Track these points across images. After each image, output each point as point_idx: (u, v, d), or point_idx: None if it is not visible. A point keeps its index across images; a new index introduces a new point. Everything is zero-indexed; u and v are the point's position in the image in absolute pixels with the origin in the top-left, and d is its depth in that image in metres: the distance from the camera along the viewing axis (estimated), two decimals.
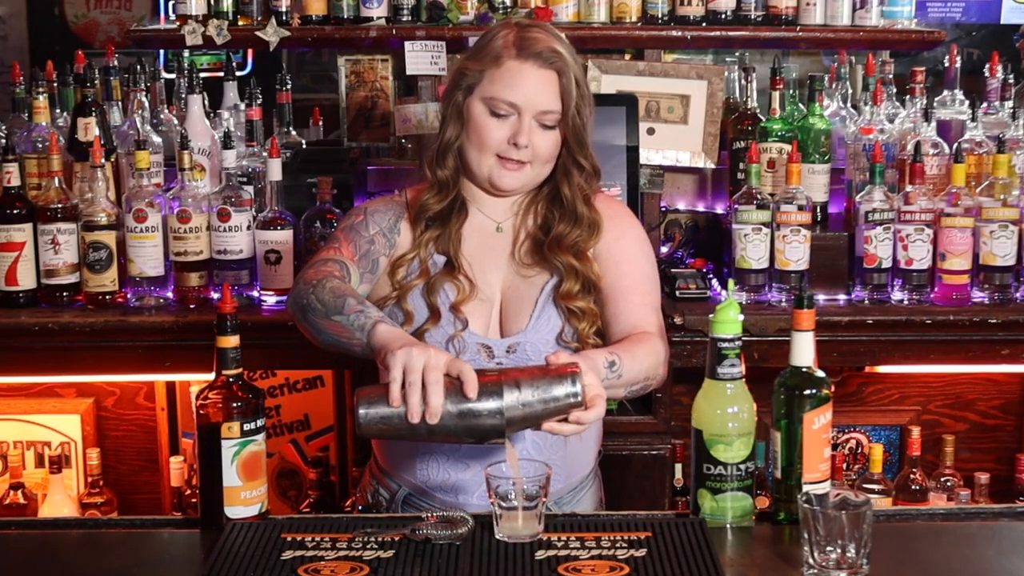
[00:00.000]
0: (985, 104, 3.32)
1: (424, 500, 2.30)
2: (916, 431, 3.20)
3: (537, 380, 1.92)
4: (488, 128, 2.25)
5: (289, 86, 3.48)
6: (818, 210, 3.20)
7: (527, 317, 2.29)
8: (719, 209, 3.42)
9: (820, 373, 2.01)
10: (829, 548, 1.81)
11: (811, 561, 1.83)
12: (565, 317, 2.28)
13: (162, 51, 4.80)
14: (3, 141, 3.13)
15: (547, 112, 2.24)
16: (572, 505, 2.35)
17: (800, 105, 3.34)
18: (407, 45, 3.28)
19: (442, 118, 2.34)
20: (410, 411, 1.88)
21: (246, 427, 1.99)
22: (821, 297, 3.06)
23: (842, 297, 3.08)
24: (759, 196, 3.05)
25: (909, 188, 3.05)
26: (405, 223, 2.35)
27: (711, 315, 1.99)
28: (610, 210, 2.39)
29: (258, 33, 3.30)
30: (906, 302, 3.04)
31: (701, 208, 3.47)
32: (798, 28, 3.31)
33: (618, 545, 1.91)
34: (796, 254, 3.01)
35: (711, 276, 3.24)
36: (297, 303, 2.19)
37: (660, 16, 3.30)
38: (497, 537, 1.94)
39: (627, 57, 3.42)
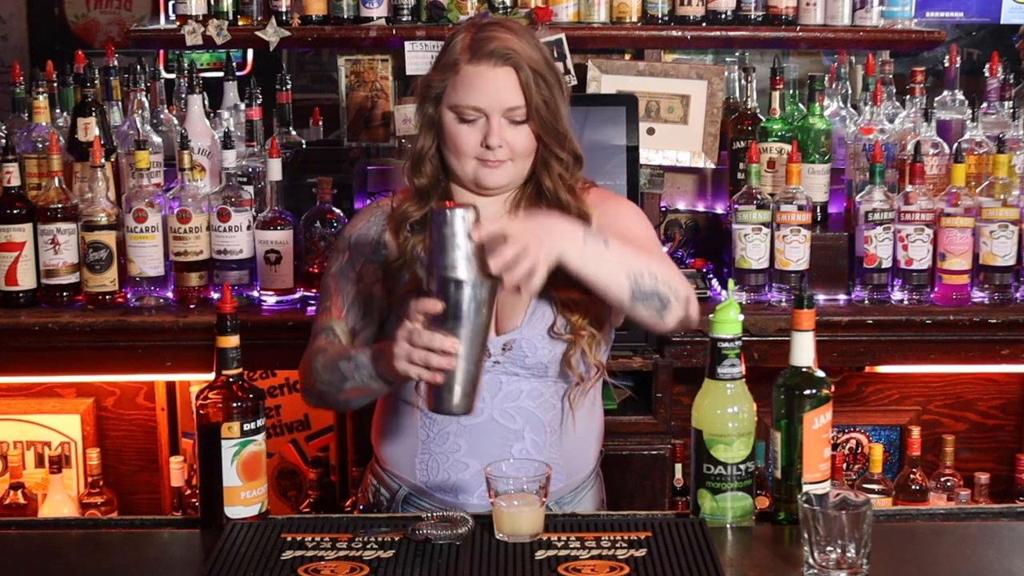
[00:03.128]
0: (985, 104, 3.32)
1: (424, 500, 2.30)
2: (916, 431, 3.20)
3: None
4: (460, 135, 2.25)
5: (289, 86, 3.48)
6: (818, 210, 3.20)
7: (522, 313, 2.29)
8: (719, 209, 3.42)
9: (820, 373, 2.01)
10: (829, 548, 1.81)
11: (811, 561, 1.83)
12: (558, 309, 2.28)
13: (162, 51, 4.78)
14: (3, 141, 3.13)
15: (512, 109, 2.22)
16: (573, 505, 2.35)
17: (800, 105, 3.34)
18: (407, 45, 3.28)
19: (416, 128, 2.33)
20: (433, 376, 1.95)
21: (246, 427, 1.99)
22: (821, 297, 3.06)
23: (842, 297, 3.08)
24: (759, 196, 3.05)
25: (909, 188, 3.05)
26: (389, 233, 2.34)
27: (711, 315, 1.99)
28: (602, 198, 2.38)
29: (258, 33, 3.30)
30: (906, 302, 3.04)
31: (701, 208, 3.47)
32: (798, 28, 3.31)
33: (618, 545, 1.91)
34: (796, 254, 3.02)
35: (711, 276, 3.24)
36: (313, 395, 2.28)
37: (660, 16, 3.30)
38: (497, 537, 1.94)
39: (627, 57, 3.42)
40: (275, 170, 3.01)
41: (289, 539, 1.94)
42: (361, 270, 2.33)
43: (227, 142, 3.01)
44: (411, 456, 2.31)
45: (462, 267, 1.93)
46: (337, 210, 3.05)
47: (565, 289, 2.26)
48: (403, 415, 2.32)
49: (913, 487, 3.18)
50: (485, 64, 2.22)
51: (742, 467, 1.98)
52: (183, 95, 3.33)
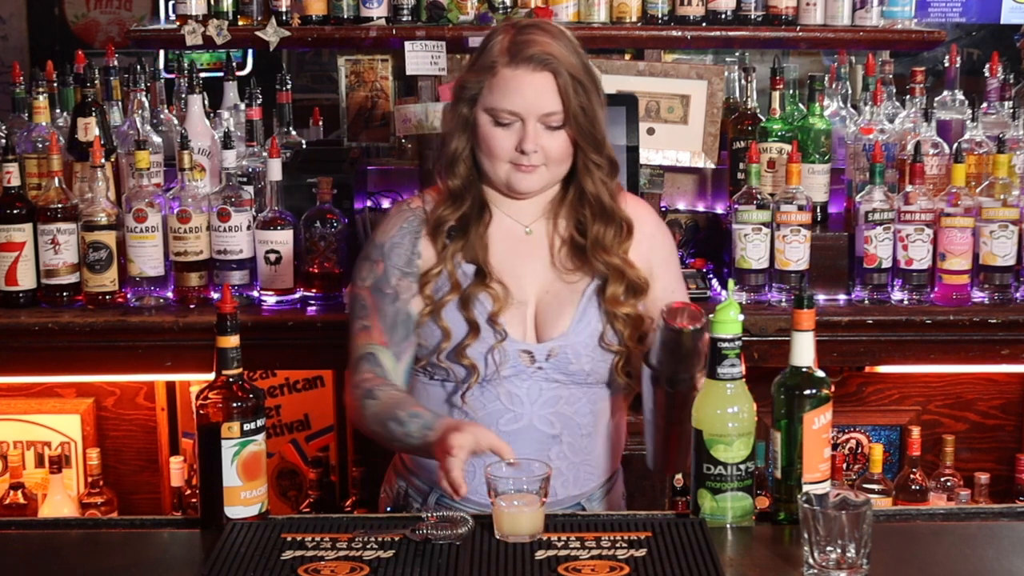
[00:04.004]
0: (985, 104, 3.32)
1: (457, 504, 2.26)
2: (916, 431, 3.20)
3: None
4: (495, 139, 2.23)
5: (289, 86, 3.47)
6: (818, 210, 3.20)
7: (568, 320, 2.27)
8: (719, 209, 3.42)
9: (820, 373, 2.01)
10: (829, 548, 1.81)
11: (811, 561, 1.83)
12: (608, 320, 2.27)
13: (162, 51, 4.78)
14: (3, 141, 3.12)
15: (549, 114, 2.21)
16: (600, 500, 2.37)
17: (800, 105, 3.34)
18: (407, 45, 3.28)
19: (448, 128, 2.31)
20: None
21: (246, 427, 1.99)
22: (821, 297, 3.06)
23: (842, 297, 3.08)
24: (759, 196, 3.05)
25: (909, 188, 3.05)
26: (424, 240, 2.31)
27: (711, 315, 1.99)
28: (637, 211, 2.38)
29: (258, 33, 3.30)
30: (906, 302, 3.04)
31: (701, 208, 3.47)
32: (798, 28, 3.31)
33: (618, 545, 1.91)
34: (796, 254, 3.02)
35: (711, 276, 3.24)
36: (361, 430, 2.30)
37: (660, 16, 3.30)
38: (497, 537, 1.94)
39: (627, 57, 3.43)
40: (275, 170, 3.01)
41: (289, 539, 1.94)
42: (398, 285, 2.30)
43: (227, 142, 3.01)
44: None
45: (692, 368, 2.10)
46: (337, 210, 3.05)
47: (619, 302, 2.26)
48: None
49: (913, 487, 3.18)
50: (524, 68, 2.20)
51: (742, 467, 1.98)
52: (183, 95, 3.33)
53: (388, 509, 2.41)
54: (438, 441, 2.06)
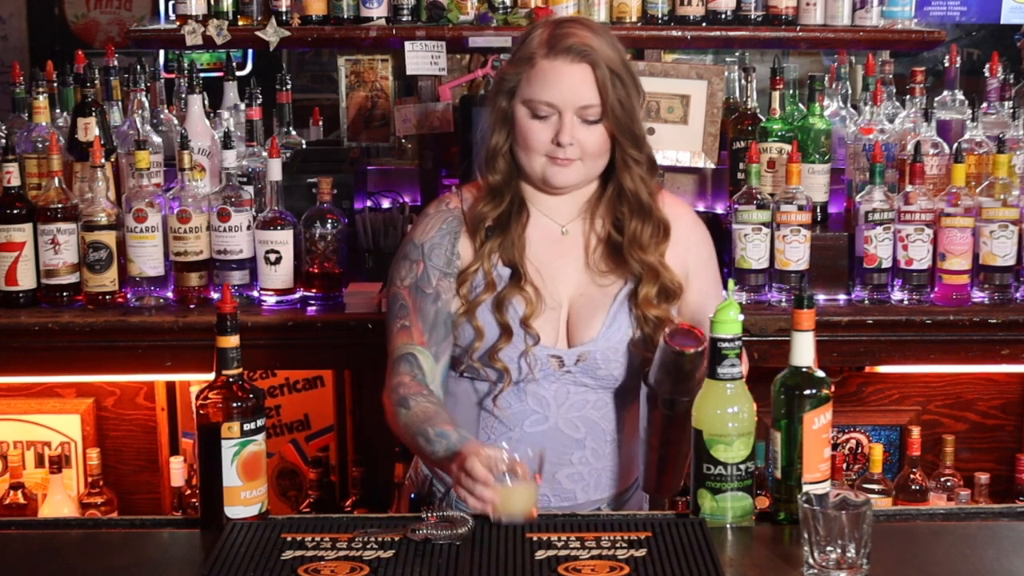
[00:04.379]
0: (985, 104, 3.32)
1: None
2: (916, 431, 3.20)
3: None
4: (532, 131, 2.23)
5: (289, 86, 3.47)
6: (818, 210, 3.20)
7: (599, 325, 2.27)
8: (719, 209, 3.42)
9: (820, 373, 2.01)
10: (829, 548, 1.81)
11: (811, 561, 1.83)
12: (638, 324, 2.26)
13: (162, 51, 4.78)
14: (3, 141, 3.12)
15: (587, 107, 2.20)
16: (624, 503, 2.37)
17: (800, 105, 3.34)
18: (407, 45, 3.28)
19: (490, 123, 2.30)
20: None
21: (246, 427, 1.99)
22: (821, 297, 3.06)
23: (842, 297, 3.08)
24: (759, 196, 3.05)
25: (909, 188, 3.05)
26: (464, 237, 2.31)
27: (711, 315, 1.99)
28: (676, 211, 2.37)
29: (258, 33, 3.30)
30: (906, 302, 3.04)
31: (701, 208, 3.46)
32: (798, 28, 3.31)
33: (618, 545, 1.91)
34: (796, 254, 3.01)
35: None
36: (395, 431, 2.25)
37: (660, 16, 3.30)
38: (491, 519, 1.95)
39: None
40: (275, 170, 3.01)
41: (289, 539, 1.94)
42: (438, 285, 2.29)
43: (227, 142, 3.01)
44: None
45: (690, 392, 2.05)
46: (337, 210, 3.05)
47: (651, 304, 2.25)
48: (465, 415, 2.30)
49: (913, 487, 3.18)
50: (562, 59, 2.20)
51: (742, 467, 1.98)
52: (183, 95, 3.33)
53: (412, 496, 2.41)
54: (456, 459, 2.06)
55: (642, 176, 2.28)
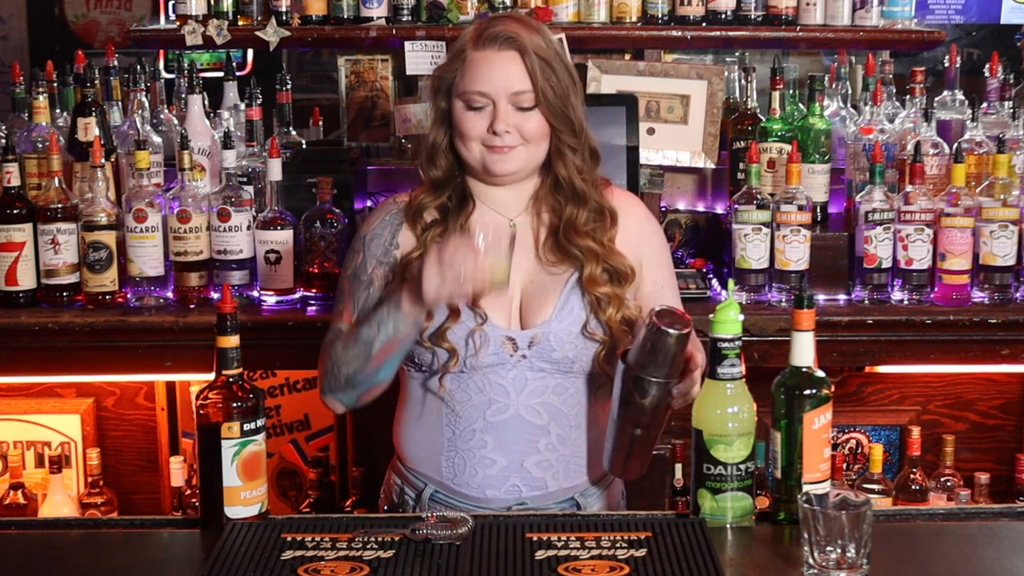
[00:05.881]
0: (985, 104, 3.32)
1: (452, 498, 2.29)
2: (916, 431, 3.20)
3: None
4: (468, 122, 2.26)
5: (289, 86, 3.47)
6: (818, 210, 3.20)
7: (551, 308, 2.28)
8: (719, 209, 3.42)
9: (820, 373, 2.01)
10: (829, 548, 1.81)
11: (811, 561, 1.83)
12: (591, 309, 2.28)
13: (162, 51, 4.78)
14: (3, 141, 3.13)
15: (518, 93, 2.23)
16: (598, 497, 2.37)
17: (800, 105, 3.34)
18: (407, 45, 3.28)
19: (429, 123, 2.35)
20: None
21: (246, 427, 1.99)
22: (821, 297, 3.06)
23: (842, 297, 3.08)
24: (759, 196, 3.05)
25: (909, 188, 3.05)
26: (404, 229, 2.34)
27: (711, 315, 1.99)
28: (625, 202, 2.40)
29: (258, 33, 3.30)
30: (906, 302, 3.04)
31: (701, 208, 3.47)
32: (798, 28, 3.31)
33: (618, 545, 1.91)
34: (796, 254, 3.02)
35: (711, 276, 3.24)
36: (337, 388, 2.28)
37: (660, 16, 3.30)
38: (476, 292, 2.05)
39: (627, 57, 3.42)
40: (275, 170, 3.01)
41: (289, 539, 1.94)
42: (372, 273, 2.33)
43: (227, 142, 3.01)
44: (437, 454, 2.31)
45: (670, 376, 2.06)
46: (337, 210, 3.05)
47: (597, 283, 2.27)
48: (428, 414, 2.32)
49: (913, 487, 3.18)
50: (490, 49, 2.24)
51: (742, 467, 1.98)
52: (183, 95, 3.33)
53: (386, 508, 2.42)
54: (403, 288, 2.14)
55: (577, 164, 2.31)
